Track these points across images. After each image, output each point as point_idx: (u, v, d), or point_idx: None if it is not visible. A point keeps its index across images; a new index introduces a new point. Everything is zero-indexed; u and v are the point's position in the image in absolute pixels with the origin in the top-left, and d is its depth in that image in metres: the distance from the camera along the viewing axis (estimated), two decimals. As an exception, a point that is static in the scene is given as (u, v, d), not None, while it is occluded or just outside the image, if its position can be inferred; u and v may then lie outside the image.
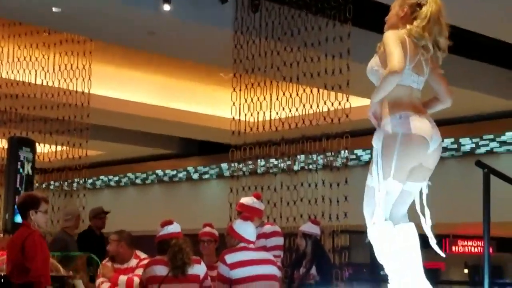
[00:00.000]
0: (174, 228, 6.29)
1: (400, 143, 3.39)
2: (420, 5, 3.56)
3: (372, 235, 3.53)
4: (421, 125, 3.44)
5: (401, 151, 3.39)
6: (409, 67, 3.45)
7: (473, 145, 13.65)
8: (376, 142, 3.53)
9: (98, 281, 7.28)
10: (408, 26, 3.54)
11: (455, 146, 13.66)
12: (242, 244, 6.02)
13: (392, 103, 3.46)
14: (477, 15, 8.66)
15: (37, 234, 6.22)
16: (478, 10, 8.48)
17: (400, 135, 3.40)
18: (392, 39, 3.41)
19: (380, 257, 3.50)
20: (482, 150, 13.80)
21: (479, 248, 20.46)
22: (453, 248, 20.98)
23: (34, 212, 6.24)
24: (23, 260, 6.02)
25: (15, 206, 6.69)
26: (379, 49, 3.56)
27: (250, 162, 10.34)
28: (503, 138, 13.10)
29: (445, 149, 13.60)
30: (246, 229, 6.12)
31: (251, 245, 6.08)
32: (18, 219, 8.61)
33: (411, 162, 3.44)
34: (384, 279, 3.41)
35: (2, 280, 6.68)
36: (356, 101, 9.42)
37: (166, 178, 19.01)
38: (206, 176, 18.24)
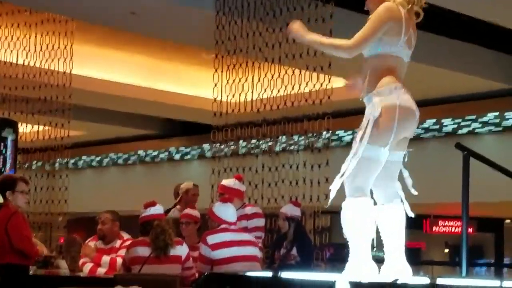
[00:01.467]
0: (157, 209, 6.33)
1: (399, 114, 3.36)
2: None
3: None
4: (410, 97, 3.45)
5: (400, 121, 3.36)
6: (404, 39, 3.43)
7: (455, 126, 13.70)
8: (372, 109, 3.44)
9: (81, 261, 7.31)
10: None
11: (437, 126, 13.71)
12: (223, 226, 6.06)
13: (386, 73, 3.44)
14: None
15: (19, 215, 6.24)
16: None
17: (398, 107, 3.37)
18: (379, 17, 3.39)
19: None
20: (464, 130, 13.88)
21: (459, 228, 20.61)
22: (434, 228, 21.10)
23: (11, 192, 6.27)
24: (8, 241, 6.04)
25: None
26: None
27: (231, 143, 10.32)
28: (485, 118, 13.15)
29: (427, 129, 13.71)
30: (226, 211, 6.15)
31: (233, 226, 6.12)
32: (0, 199, 8.63)
33: (405, 133, 3.44)
34: (376, 258, 3.38)
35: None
36: (338, 82, 9.42)
37: (148, 159, 19.01)
38: (188, 157, 18.25)
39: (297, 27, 3.55)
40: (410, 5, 3.43)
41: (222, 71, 10.12)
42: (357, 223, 3.23)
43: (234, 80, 10.14)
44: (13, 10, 10.68)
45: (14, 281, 5.57)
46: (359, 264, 3.16)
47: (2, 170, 9.90)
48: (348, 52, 3.38)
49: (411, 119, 3.43)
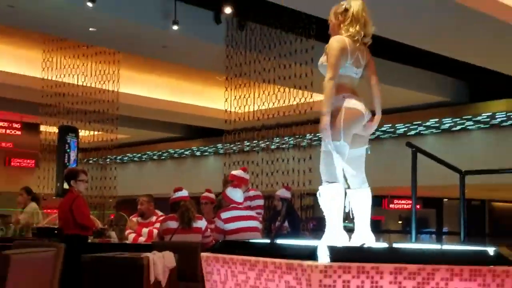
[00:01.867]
0: (183, 193, 6.36)
1: (345, 114, 3.24)
2: (347, 10, 3.37)
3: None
4: (358, 102, 3.30)
5: (346, 121, 3.23)
6: (350, 62, 3.30)
7: (405, 129, 13.72)
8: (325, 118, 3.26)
9: (127, 232, 7.32)
10: (344, 29, 3.34)
11: (392, 129, 13.71)
12: (233, 205, 6.06)
13: (337, 87, 3.28)
14: (411, 31, 8.67)
15: (80, 197, 6.26)
16: (411, 26, 8.50)
17: (344, 109, 3.25)
18: (333, 51, 3.26)
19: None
20: (412, 132, 13.91)
21: (410, 205, 20.66)
22: (391, 205, 21.13)
23: (75, 181, 6.29)
24: (72, 217, 6.06)
25: (63, 177, 6.73)
26: (326, 50, 3.35)
27: (238, 143, 10.38)
28: (427, 123, 13.17)
29: (384, 132, 13.72)
30: (235, 194, 6.15)
31: (240, 206, 6.13)
32: (66, 186, 8.63)
33: (354, 128, 3.29)
34: (347, 229, 3.35)
35: (56, 232, 6.70)
36: (318, 97, 9.46)
37: (175, 155, 19.01)
38: (206, 153, 18.26)
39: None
40: (356, 38, 3.33)
41: (231, 90, 10.18)
42: (331, 203, 3.22)
43: (240, 96, 10.17)
44: (74, 45, 10.70)
45: (76, 248, 5.57)
46: (333, 233, 3.15)
47: (67, 164, 9.92)
48: (331, 83, 3.21)
49: (357, 119, 3.29)
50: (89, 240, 6.63)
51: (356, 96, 3.34)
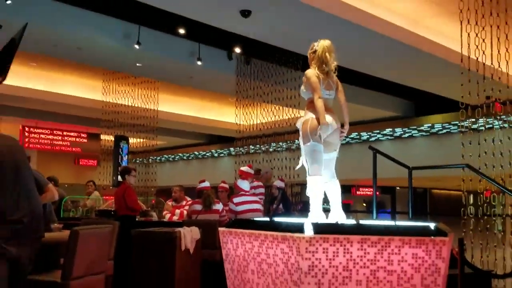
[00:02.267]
0: (206, 184, 6.35)
1: (311, 122, 3.15)
2: (315, 51, 3.30)
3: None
4: (329, 116, 3.18)
5: (312, 128, 3.15)
6: (322, 87, 3.21)
7: (368, 136, 13.70)
8: (299, 124, 3.24)
9: (164, 213, 7.32)
10: (313, 65, 3.28)
11: (358, 136, 13.70)
12: (242, 192, 6.06)
13: (312, 106, 3.22)
14: (370, 64, 8.68)
15: (130, 188, 6.27)
16: (370, 61, 8.50)
17: (310, 119, 3.17)
18: (311, 78, 3.20)
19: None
20: (373, 139, 13.89)
21: (371, 192, 20.61)
22: (357, 192, 21.09)
23: (128, 176, 6.29)
24: (124, 202, 6.06)
25: (118, 173, 6.72)
26: (304, 80, 3.29)
27: (245, 147, 10.37)
28: (384, 132, 13.16)
29: (352, 138, 13.69)
30: (243, 184, 6.16)
31: (247, 193, 6.12)
32: (120, 179, 8.61)
33: (323, 134, 3.17)
34: (325, 209, 3.32)
35: (112, 213, 6.70)
36: (303, 113, 9.46)
37: (199, 156, 19.03)
38: (222, 155, 18.25)
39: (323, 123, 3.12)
40: (321, 70, 3.25)
41: (240, 108, 10.17)
42: (314, 190, 3.21)
43: (246, 113, 10.16)
44: (125, 76, 10.72)
45: (127, 225, 5.58)
46: (316, 213, 3.14)
47: (121, 163, 9.93)
48: (320, 100, 3.13)
49: (326, 126, 3.14)
50: (137, 219, 6.65)
51: (329, 112, 3.25)
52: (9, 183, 2.85)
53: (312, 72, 3.26)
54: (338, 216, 3.23)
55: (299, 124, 3.26)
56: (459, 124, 7.34)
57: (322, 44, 3.32)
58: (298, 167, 3.32)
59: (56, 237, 3.67)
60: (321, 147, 3.18)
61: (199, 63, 8.70)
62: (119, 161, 9.86)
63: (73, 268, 3.33)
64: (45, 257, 3.45)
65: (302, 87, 3.36)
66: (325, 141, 3.21)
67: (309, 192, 3.22)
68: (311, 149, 3.20)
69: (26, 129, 14.23)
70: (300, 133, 3.19)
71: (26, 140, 14.10)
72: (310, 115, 3.23)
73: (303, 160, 3.28)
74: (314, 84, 3.21)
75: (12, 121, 13.53)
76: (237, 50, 9.16)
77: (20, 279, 2.95)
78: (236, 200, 5.93)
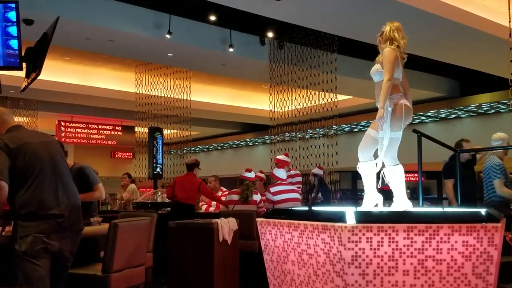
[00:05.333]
0: (250, 174, 6.27)
1: (405, 109, 3.05)
2: (382, 33, 3.21)
3: (361, 170, 3.17)
4: (407, 100, 3.13)
5: (406, 114, 3.06)
6: (399, 69, 3.12)
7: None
8: (387, 110, 3.01)
9: (200, 203, 7.39)
10: (396, 44, 3.14)
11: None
12: (279, 181, 6.05)
13: (393, 88, 3.05)
14: (415, 43, 8.43)
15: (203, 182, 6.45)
16: (415, 40, 8.26)
17: (404, 105, 3.06)
18: (390, 57, 3.05)
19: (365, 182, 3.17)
20: (416, 121, 13.58)
21: (415, 177, 20.19)
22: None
23: (197, 169, 6.39)
24: (199, 193, 6.32)
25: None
26: (379, 60, 3.18)
27: (281, 135, 10.35)
28: (428, 114, 12.86)
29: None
30: (280, 173, 6.15)
31: (284, 182, 6.11)
32: (157, 170, 8.73)
33: (408, 120, 3.11)
34: (360, 198, 3.29)
35: (149, 205, 6.80)
36: (341, 98, 9.34)
37: (234, 145, 19.13)
38: (256, 143, 18.30)
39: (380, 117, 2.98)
40: (400, 50, 3.16)
41: (274, 94, 10.14)
42: (401, 180, 3.12)
43: (280, 99, 10.12)
44: (157, 67, 10.87)
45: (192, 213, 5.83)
46: (403, 202, 3.09)
47: (156, 155, 10.10)
48: (388, 81, 2.99)
49: (410, 112, 3.12)
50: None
51: (407, 94, 3.17)
52: (48, 178, 2.95)
53: (391, 50, 3.09)
54: (401, 204, 3.12)
55: (388, 109, 3.02)
56: (508, 102, 7.06)
57: (389, 24, 3.24)
58: (378, 166, 3.12)
59: (95, 231, 3.77)
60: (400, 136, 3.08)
61: (231, 50, 8.71)
62: (154, 153, 10.02)
63: (114, 261, 3.41)
64: (85, 250, 3.55)
65: (377, 67, 3.21)
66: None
67: (392, 181, 3.11)
68: (397, 137, 3.09)
69: (62, 123, 14.66)
70: (388, 117, 3.00)
71: (63, 135, 14.53)
72: (403, 100, 3.08)
73: (383, 147, 3.07)
74: (390, 64, 3.02)
75: (48, 116, 13.96)
76: (270, 34, 9.10)
77: (63, 273, 3.06)
78: (273, 189, 5.92)
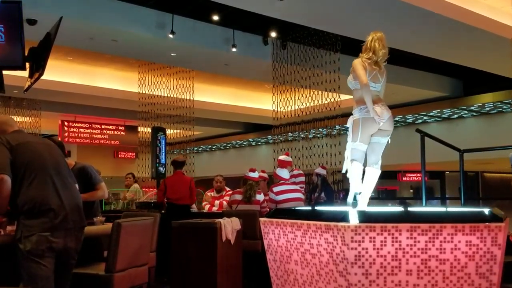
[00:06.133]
0: (254, 174, 6.26)
1: (362, 122, 3.21)
2: (364, 42, 3.37)
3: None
4: (378, 108, 3.20)
5: (363, 125, 3.21)
6: (369, 78, 3.24)
7: (414, 118, 13.39)
8: (349, 123, 3.33)
9: (203, 204, 7.39)
10: (370, 55, 3.30)
11: (403, 119, 13.41)
12: (282, 181, 6.03)
13: (358, 100, 3.26)
14: (418, 43, 8.44)
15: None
16: (418, 39, 8.26)
17: (361, 119, 3.22)
18: (358, 66, 3.24)
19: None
20: (419, 121, 13.56)
21: (419, 177, 20.18)
22: (403, 178, 20.68)
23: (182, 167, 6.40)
24: (190, 193, 6.28)
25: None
26: (352, 71, 3.32)
27: (284, 135, 10.33)
28: (431, 114, 12.84)
29: (397, 121, 13.41)
30: (283, 173, 6.13)
31: (287, 181, 6.10)
32: (160, 170, 8.73)
33: (370, 131, 3.24)
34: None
35: (152, 205, 6.81)
36: (344, 97, 9.32)
37: (237, 145, 19.14)
38: (259, 143, 18.31)
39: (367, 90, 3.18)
40: (370, 60, 3.29)
41: (277, 94, 10.12)
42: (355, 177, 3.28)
43: (283, 99, 10.11)
44: (160, 66, 10.86)
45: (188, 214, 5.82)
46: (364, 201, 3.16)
47: (159, 155, 10.10)
48: (364, 85, 3.17)
49: (374, 123, 3.21)
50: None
51: (376, 103, 3.24)
52: (50, 176, 2.96)
53: (357, 60, 3.30)
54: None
55: (351, 120, 3.31)
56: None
57: (372, 34, 3.36)
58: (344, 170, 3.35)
59: (99, 230, 3.77)
60: (364, 147, 3.27)
61: (234, 50, 8.71)
62: (157, 152, 10.02)
63: (117, 261, 3.41)
64: (88, 250, 3.56)
65: (350, 77, 3.38)
66: (379, 129, 3.25)
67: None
68: (358, 148, 3.28)
69: (65, 123, 14.69)
70: (350, 130, 3.28)
71: (66, 134, 14.56)
72: (358, 114, 3.26)
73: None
74: (358, 71, 3.22)
75: (51, 116, 13.99)
76: (273, 34, 9.10)
77: (67, 273, 3.07)
78: (276, 189, 5.91)
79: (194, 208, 7.29)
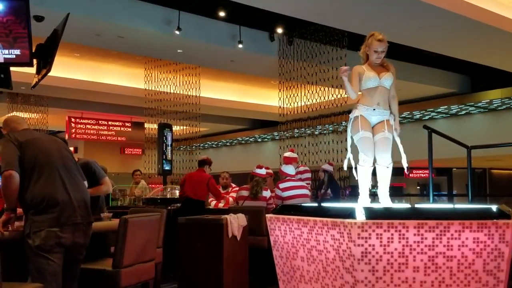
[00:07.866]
0: (261, 171, 6.24)
1: (353, 122, 3.40)
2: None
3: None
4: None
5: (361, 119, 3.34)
6: (367, 77, 3.27)
7: (421, 115, 13.33)
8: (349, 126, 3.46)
9: (209, 200, 7.38)
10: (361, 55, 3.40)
11: (410, 116, 13.35)
12: (288, 177, 6.03)
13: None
14: (425, 38, 8.38)
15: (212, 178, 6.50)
16: (425, 35, 8.21)
17: (359, 116, 3.36)
18: (351, 76, 3.27)
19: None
20: (426, 117, 13.50)
21: (426, 174, 20.10)
22: (411, 174, 20.60)
23: (208, 167, 6.43)
24: (208, 190, 6.34)
25: (165, 158, 6.82)
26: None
27: (290, 131, 10.32)
28: (438, 110, 12.77)
29: (404, 117, 13.35)
30: (288, 169, 6.12)
31: (293, 178, 6.09)
32: (166, 166, 8.73)
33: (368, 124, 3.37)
34: (372, 194, 3.33)
35: (159, 201, 6.82)
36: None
37: (243, 141, 19.14)
38: (265, 139, 18.29)
39: (344, 69, 3.21)
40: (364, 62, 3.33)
41: (283, 91, 10.12)
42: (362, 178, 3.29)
43: (290, 95, 10.09)
44: (166, 63, 10.86)
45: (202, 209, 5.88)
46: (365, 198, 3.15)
47: (165, 151, 10.13)
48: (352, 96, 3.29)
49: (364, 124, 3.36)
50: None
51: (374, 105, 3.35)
52: (57, 172, 2.99)
53: (355, 67, 3.31)
54: (384, 201, 3.19)
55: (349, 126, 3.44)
56: (520, 98, 6.99)
57: (370, 32, 3.36)
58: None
59: (106, 226, 3.79)
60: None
61: (240, 46, 8.70)
62: (164, 149, 10.05)
63: (124, 256, 3.43)
64: (96, 246, 3.58)
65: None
66: (379, 123, 3.34)
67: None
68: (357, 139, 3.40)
69: (72, 120, 14.75)
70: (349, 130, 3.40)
71: (73, 131, 14.63)
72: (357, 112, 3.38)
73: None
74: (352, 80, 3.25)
75: (58, 113, 14.05)
76: (279, 30, 9.08)
77: (75, 268, 3.09)
78: (282, 185, 5.91)
79: (219, 205, 7.18)
